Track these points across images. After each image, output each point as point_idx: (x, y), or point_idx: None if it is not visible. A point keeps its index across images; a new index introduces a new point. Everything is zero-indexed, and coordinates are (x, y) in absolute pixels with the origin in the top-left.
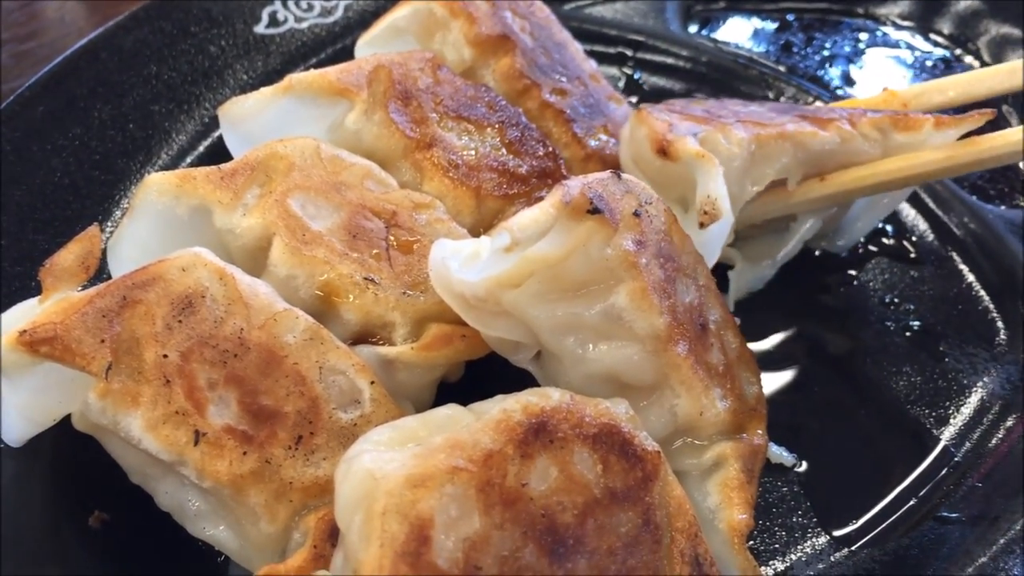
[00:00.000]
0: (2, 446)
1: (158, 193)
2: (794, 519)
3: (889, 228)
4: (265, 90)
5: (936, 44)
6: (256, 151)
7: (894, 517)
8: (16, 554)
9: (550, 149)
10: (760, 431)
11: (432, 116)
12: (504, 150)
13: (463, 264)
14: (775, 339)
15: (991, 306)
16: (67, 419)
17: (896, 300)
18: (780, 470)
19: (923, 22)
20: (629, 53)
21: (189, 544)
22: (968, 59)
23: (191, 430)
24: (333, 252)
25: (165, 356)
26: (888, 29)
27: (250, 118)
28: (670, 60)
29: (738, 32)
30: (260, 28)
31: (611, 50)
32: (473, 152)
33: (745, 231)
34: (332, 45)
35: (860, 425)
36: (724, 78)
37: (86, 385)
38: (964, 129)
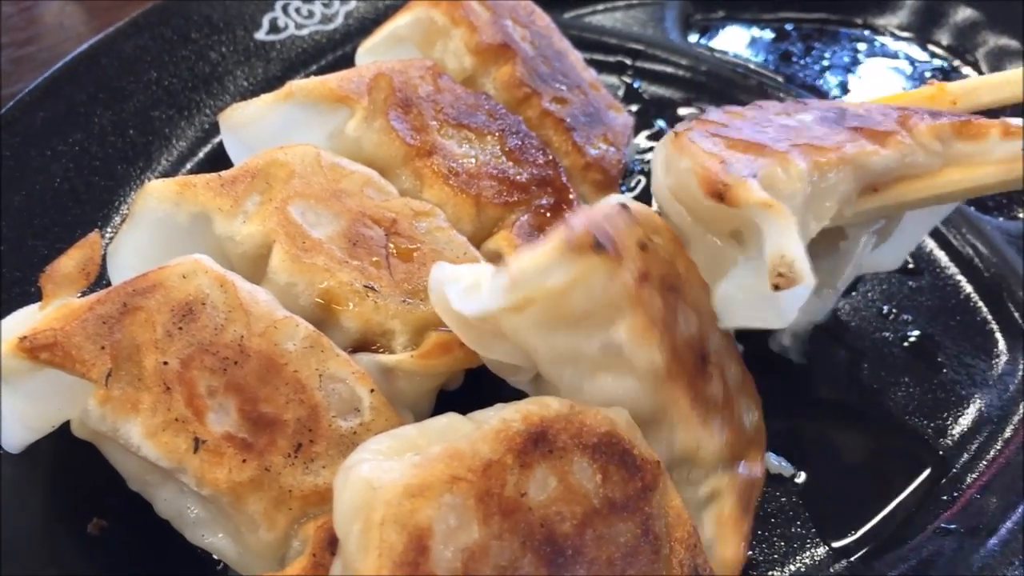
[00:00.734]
0: (1, 452)
1: (158, 200)
2: (793, 529)
3: None
4: (266, 97)
5: (934, 55)
6: (256, 158)
7: (893, 528)
8: (15, 561)
9: (550, 157)
10: (759, 460)
11: (432, 124)
12: (504, 158)
13: (462, 295)
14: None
15: (989, 317)
16: (66, 426)
17: (894, 311)
18: (779, 480)
19: (921, 33)
20: (628, 62)
21: (188, 552)
22: (966, 70)
23: (191, 437)
24: (333, 260)
25: (165, 363)
26: (886, 39)
27: (251, 124)
28: (669, 69)
29: (737, 41)
30: (261, 35)
31: (611, 59)
32: (473, 160)
33: None
34: (333, 52)
35: (859, 435)
36: (723, 87)
37: (86, 392)
38: None
